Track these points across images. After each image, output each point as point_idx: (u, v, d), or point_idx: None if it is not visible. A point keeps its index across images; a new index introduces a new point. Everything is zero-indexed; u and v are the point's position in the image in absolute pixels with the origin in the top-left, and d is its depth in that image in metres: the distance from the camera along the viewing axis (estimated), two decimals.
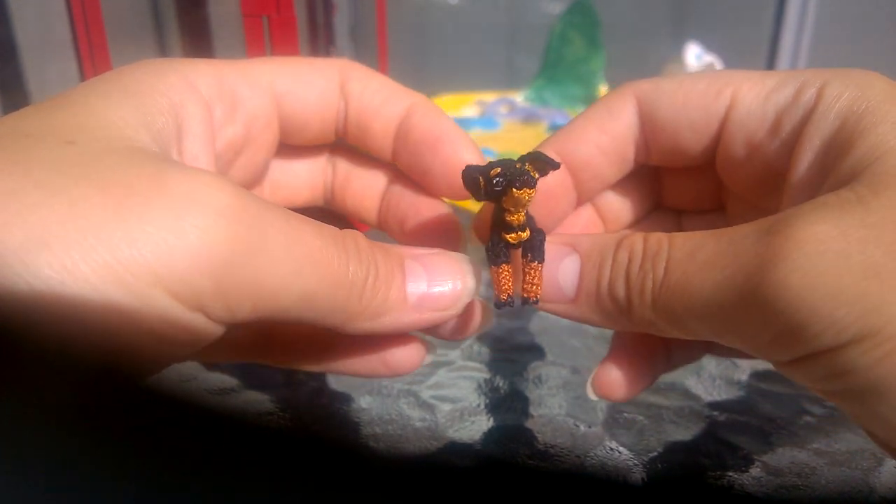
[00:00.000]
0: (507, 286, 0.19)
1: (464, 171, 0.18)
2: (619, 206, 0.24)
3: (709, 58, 0.73)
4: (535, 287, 0.19)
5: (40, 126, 0.15)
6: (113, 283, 0.13)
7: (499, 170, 0.17)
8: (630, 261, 0.18)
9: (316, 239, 0.17)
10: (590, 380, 0.24)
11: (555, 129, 0.66)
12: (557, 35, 0.75)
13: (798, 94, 0.19)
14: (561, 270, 0.19)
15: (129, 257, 0.13)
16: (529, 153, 0.18)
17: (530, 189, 0.17)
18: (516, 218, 0.18)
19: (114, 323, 0.13)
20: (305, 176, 0.24)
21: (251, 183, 0.22)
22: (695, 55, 0.73)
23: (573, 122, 0.22)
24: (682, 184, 0.24)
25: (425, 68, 0.84)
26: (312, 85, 0.22)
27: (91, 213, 0.13)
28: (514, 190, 0.17)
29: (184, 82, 0.19)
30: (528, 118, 0.70)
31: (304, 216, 0.17)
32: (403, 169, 0.23)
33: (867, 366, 0.15)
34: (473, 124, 0.67)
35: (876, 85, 0.18)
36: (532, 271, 0.19)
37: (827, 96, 0.18)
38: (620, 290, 0.18)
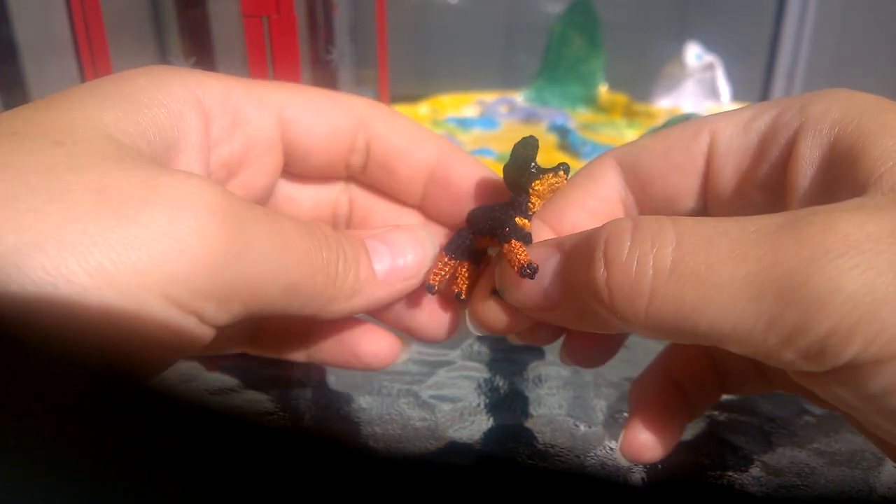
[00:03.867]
0: (526, 257, 0.19)
1: (522, 140, 0.20)
2: None
3: (709, 58, 0.73)
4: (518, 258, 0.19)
5: (30, 125, 0.15)
6: (108, 287, 0.13)
7: (535, 163, 0.20)
8: (609, 241, 0.16)
9: (295, 231, 0.17)
10: (618, 446, 0.24)
11: (555, 128, 0.66)
12: (557, 35, 0.75)
13: (778, 117, 0.19)
14: (544, 270, 0.18)
15: (124, 261, 0.13)
16: (561, 163, 0.20)
17: (565, 174, 0.20)
18: (539, 203, 0.20)
19: (108, 326, 0.13)
20: (310, 205, 0.24)
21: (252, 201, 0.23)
22: (695, 55, 0.73)
23: (558, 195, 0.22)
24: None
25: (425, 68, 0.84)
26: (325, 118, 0.22)
27: (86, 218, 0.13)
28: (561, 172, 0.19)
29: (186, 93, 0.18)
30: (528, 118, 0.70)
31: (278, 212, 0.18)
32: (435, 213, 0.24)
33: None
34: (473, 124, 0.67)
35: (858, 97, 0.18)
36: (519, 247, 0.20)
37: (815, 112, 0.18)
38: (599, 275, 0.16)
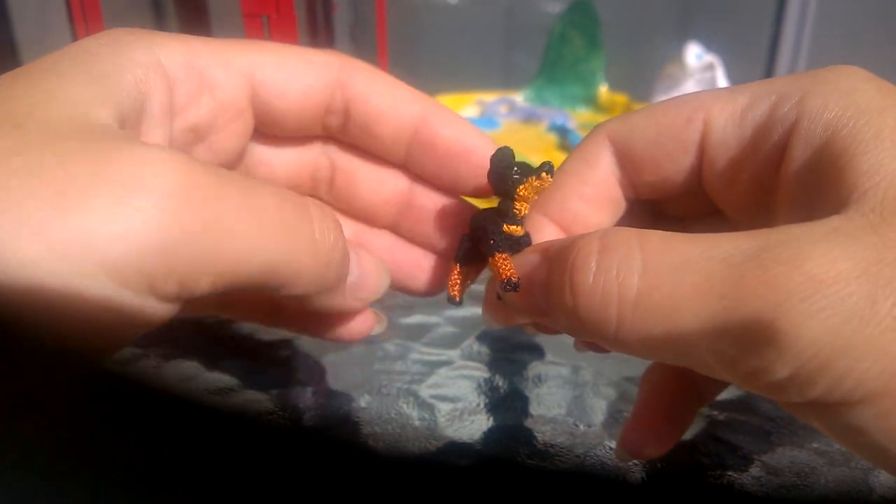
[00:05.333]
0: (509, 271, 0.19)
1: (498, 151, 0.20)
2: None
3: (709, 57, 0.73)
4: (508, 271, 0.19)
5: None
6: (53, 272, 0.13)
7: (517, 167, 0.20)
8: (575, 266, 0.16)
9: (277, 210, 0.16)
10: (616, 444, 0.24)
11: (555, 128, 0.66)
12: (557, 35, 0.75)
13: (774, 108, 0.18)
14: (535, 282, 0.18)
15: (68, 245, 0.13)
16: (544, 163, 0.20)
17: (550, 177, 0.19)
18: (525, 208, 0.20)
19: (57, 308, 0.13)
20: (285, 169, 0.23)
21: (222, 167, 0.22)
22: (695, 55, 0.73)
23: (555, 180, 0.21)
24: (673, 203, 0.23)
25: (425, 68, 0.84)
26: (298, 78, 0.21)
27: (29, 205, 0.13)
28: (544, 174, 0.19)
29: (148, 58, 0.18)
30: (528, 118, 0.70)
31: (266, 183, 0.17)
32: (420, 173, 0.23)
33: (882, 428, 0.14)
34: (473, 124, 0.67)
35: (861, 88, 0.17)
36: (503, 260, 0.20)
37: (810, 109, 0.17)
38: (567, 300, 0.16)
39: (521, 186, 0.19)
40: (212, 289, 0.15)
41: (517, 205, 0.20)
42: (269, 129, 0.22)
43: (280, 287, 0.17)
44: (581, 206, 0.21)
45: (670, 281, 0.15)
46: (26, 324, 0.13)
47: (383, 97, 0.22)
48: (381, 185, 0.24)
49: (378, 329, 0.24)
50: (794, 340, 0.13)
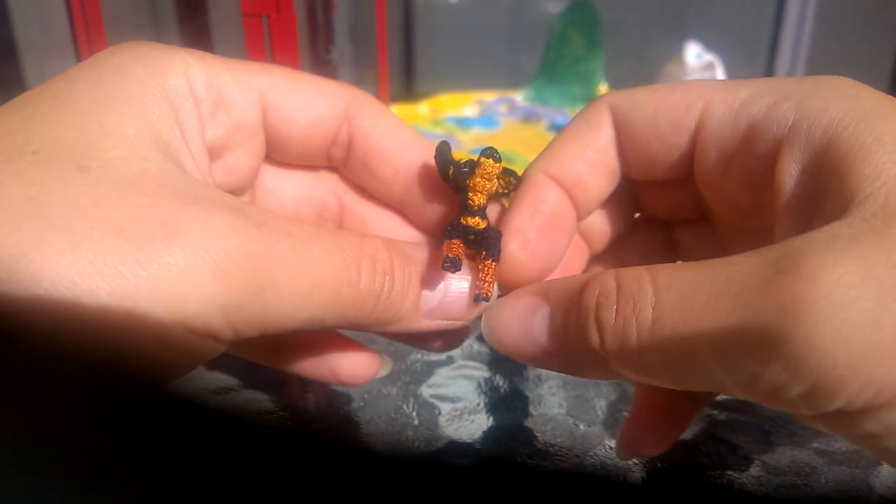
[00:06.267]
0: (447, 251, 0.19)
1: (437, 148, 0.20)
2: (601, 222, 0.23)
3: (709, 57, 0.73)
4: (487, 284, 0.19)
5: (48, 140, 0.15)
6: (128, 312, 0.14)
7: (465, 159, 0.19)
8: (600, 306, 0.16)
9: (326, 266, 0.17)
10: (616, 442, 0.24)
11: (555, 128, 0.66)
12: (557, 34, 0.75)
13: (773, 106, 0.18)
14: (535, 324, 0.18)
15: (141, 298, 0.14)
16: (486, 148, 0.19)
17: (495, 161, 0.19)
18: (479, 198, 0.20)
19: (122, 344, 0.14)
20: (294, 200, 0.23)
21: (236, 187, 0.22)
22: (695, 54, 0.73)
23: (557, 141, 0.21)
24: (662, 196, 0.23)
25: (425, 68, 0.84)
26: (308, 106, 0.21)
27: (113, 258, 0.14)
28: (482, 158, 0.19)
29: (179, 81, 0.18)
30: (528, 117, 0.70)
31: (316, 234, 0.17)
32: (413, 219, 0.23)
33: None
34: (473, 123, 0.67)
35: (863, 95, 0.17)
36: (486, 268, 0.20)
37: (810, 110, 0.17)
38: (593, 340, 0.16)
39: (469, 179, 0.19)
40: (261, 336, 0.16)
41: (471, 195, 0.20)
42: (275, 153, 0.22)
43: (325, 327, 0.18)
44: (584, 169, 0.21)
45: (680, 306, 0.15)
46: (90, 351, 0.14)
47: (386, 136, 0.22)
48: (390, 230, 0.23)
49: (383, 372, 0.24)
50: (808, 352, 0.13)
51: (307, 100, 0.21)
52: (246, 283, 0.15)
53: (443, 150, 0.20)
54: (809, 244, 0.14)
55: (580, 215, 0.22)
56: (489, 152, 0.19)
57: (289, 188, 0.23)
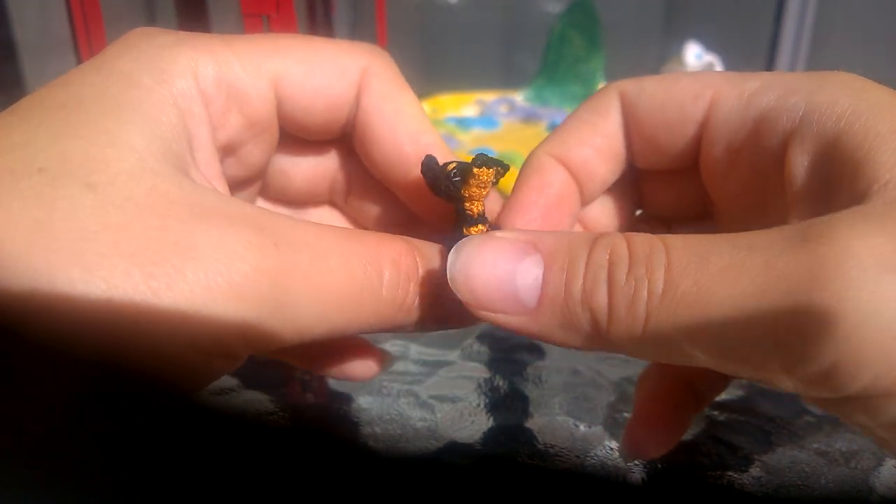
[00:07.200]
0: None
1: (423, 163, 0.19)
2: (602, 215, 0.23)
3: (709, 57, 0.73)
4: None
5: (54, 155, 0.14)
6: (137, 336, 0.14)
7: (454, 164, 0.18)
8: (612, 264, 0.15)
9: (345, 277, 0.16)
10: (620, 445, 0.24)
11: (555, 128, 0.66)
12: (557, 34, 0.75)
13: (782, 98, 0.18)
14: (520, 275, 0.16)
15: (154, 320, 0.14)
16: (476, 156, 0.18)
17: (489, 169, 0.18)
18: (476, 207, 0.19)
19: (132, 361, 0.14)
20: (305, 177, 0.23)
21: (248, 177, 0.21)
22: (695, 54, 0.73)
23: (565, 125, 0.21)
24: (665, 189, 0.23)
25: (425, 68, 0.84)
26: (323, 91, 0.20)
27: (124, 288, 0.13)
28: (475, 169, 0.18)
29: (188, 83, 0.18)
30: (528, 117, 0.70)
31: (334, 241, 0.16)
32: (415, 207, 0.22)
33: None
34: (473, 124, 0.67)
35: (867, 88, 0.17)
36: None
37: (820, 102, 0.17)
38: (601, 300, 0.15)
39: (462, 188, 0.18)
40: (277, 349, 0.16)
41: (467, 206, 0.19)
42: (288, 136, 0.21)
43: (344, 336, 0.18)
44: (591, 154, 0.21)
45: (695, 269, 0.14)
46: (100, 369, 0.14)
47: (385, 122, 0.21)
48: (393, 207, 0.23)
49: (387, 367, 0.24)
50: (836, 323, 0.12)
51: (323, 82, 0.20)
52: (263, 302, 0.15)
53: (429, 165, 0.19)
54: (835, 218, 0.14)
55: (584, 200, 0.22)
56: (480, 161, 0.18)
57: (301, 166, 0.23)
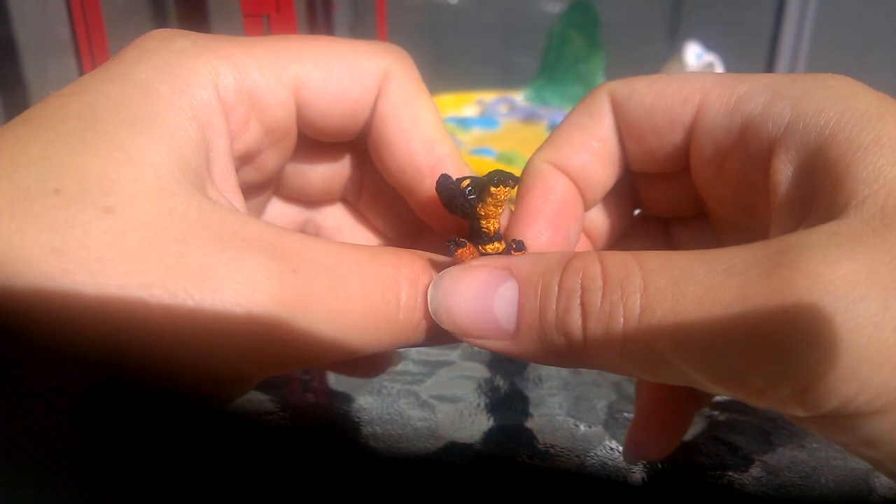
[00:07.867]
0: None
1: (438, 182, 0.18)
2: (601, 217, 0.23)
3: (709, 57, 0.73)
4: None
5: (70, 174, 0.14)
6: (159, 360, 0.14)
7: (468, 181, 0.18)
8: (585, 288, 0.15)
9: (363, 303, 0.16)
10: (623, 446, 0.24)
11: (550, 134, 0.66)
12: (557, 34, 0.75)
13: (769, 104, 0.17)
14: (497, 300, 0.16)
15: (173, 349, 0.14)
16: (490, 173, 0.18)
17: (506, 187, 0.17)
18: (492, 224, 0.18)
19: (147, 379, 0.14)
20: (322, 177, 0.23)
21: (265, 182, 0.21)
22: (695, 54, 0.73)
23: (559, 131, 0.21)
24: (660, 190, 0.23)
25: (425, 68, 0.84)
26: (343, 96, 0.20)
27: (143, 319, 0.13)
28: (493, 188, 0.17)
29: (207, 93, 0.17)
30: (528, 117, 0.70)
31: (354, 264, 0.16)
32: (429, 219, 0.22)
33: None
34: (473, 124, 0.67)
35: (860, 95, 0.16)
36: None
37: (807, 110, 0.17)
38: (575, 325, 0.15)
39: (478, 206, 0.18)
40: (290, 372, 0.16)
41: (483, 224, 0.18)
42: (307, 136, 0.21)
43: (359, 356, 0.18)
44: (588, 159, 0.21)
45: (672, 295, 0.14)
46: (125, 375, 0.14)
47: (399, 129, 0.20)
48: (401, 207, 0.23)
49: (395, 364, 0.25)
50: (807, 349, 0.13)
51: (342, 87, 0.20)
52: (280, 331, 0.15)
53: (444, 184, 0.19)
54: (809, 239, 0.14)
55: (586, 205, 0.21)
56: (497, 179, 0.17)
57: (317, 167, 0.23)
